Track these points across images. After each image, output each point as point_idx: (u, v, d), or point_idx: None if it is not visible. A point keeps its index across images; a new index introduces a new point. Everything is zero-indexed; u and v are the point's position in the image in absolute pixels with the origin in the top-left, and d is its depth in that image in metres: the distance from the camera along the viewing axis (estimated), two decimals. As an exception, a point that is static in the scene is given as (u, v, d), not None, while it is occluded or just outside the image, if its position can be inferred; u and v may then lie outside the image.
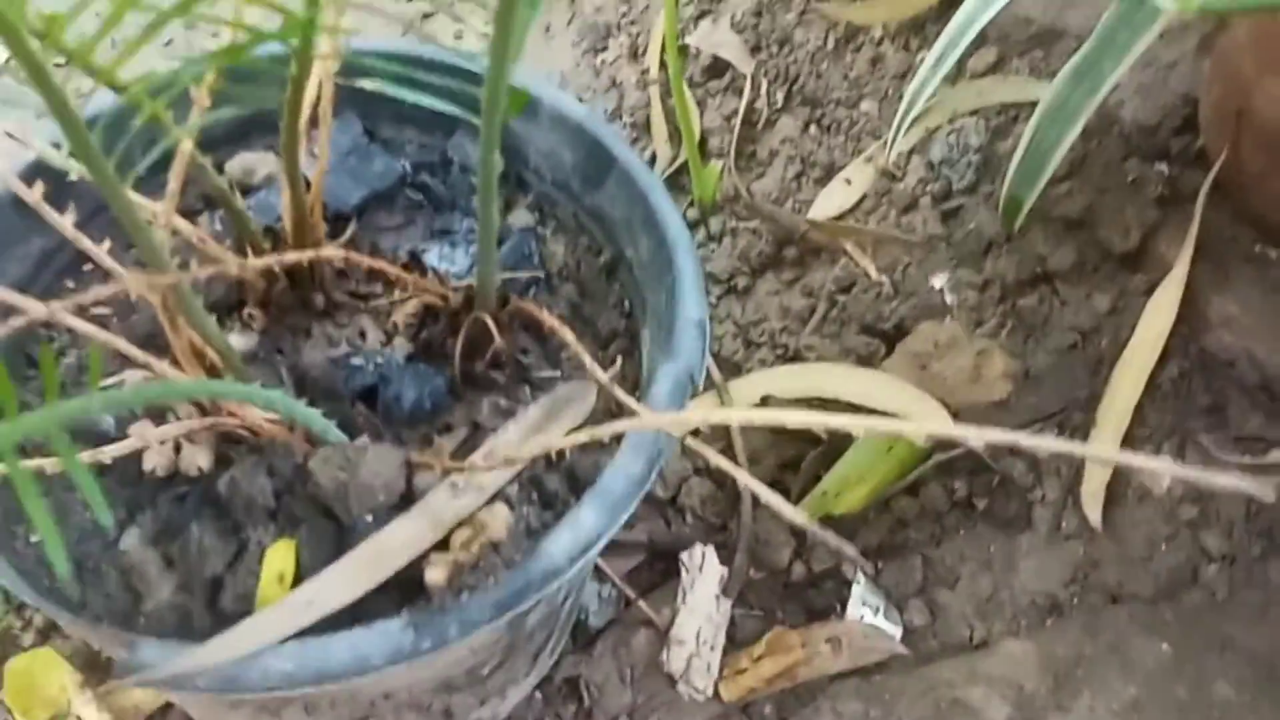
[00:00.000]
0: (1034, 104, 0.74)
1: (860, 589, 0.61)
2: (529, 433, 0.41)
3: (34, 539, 0.41)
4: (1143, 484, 0.63)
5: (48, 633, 0.58)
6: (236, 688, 0.34)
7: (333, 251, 0.42)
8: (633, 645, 0.61)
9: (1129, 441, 0.64)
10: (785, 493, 0.65)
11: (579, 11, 0.89)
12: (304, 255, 0.42)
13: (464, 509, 0.38)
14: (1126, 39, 0.54)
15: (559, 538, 0.37)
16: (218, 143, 0.51)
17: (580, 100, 0.83)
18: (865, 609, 0.60)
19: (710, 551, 0.61)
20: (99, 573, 0.40)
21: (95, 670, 0.57)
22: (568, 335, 0.42)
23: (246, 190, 0.51)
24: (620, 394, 0.39)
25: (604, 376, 0.40)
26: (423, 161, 0.52)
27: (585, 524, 0.37)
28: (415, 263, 0.48)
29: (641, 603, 0.61)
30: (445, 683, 0.44)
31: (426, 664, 0.37)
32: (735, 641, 0.60)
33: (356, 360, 0.45)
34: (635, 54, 0.86)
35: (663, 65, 0.84)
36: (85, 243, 0.41)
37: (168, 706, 0.56)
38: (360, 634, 0.35)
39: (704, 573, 0.61)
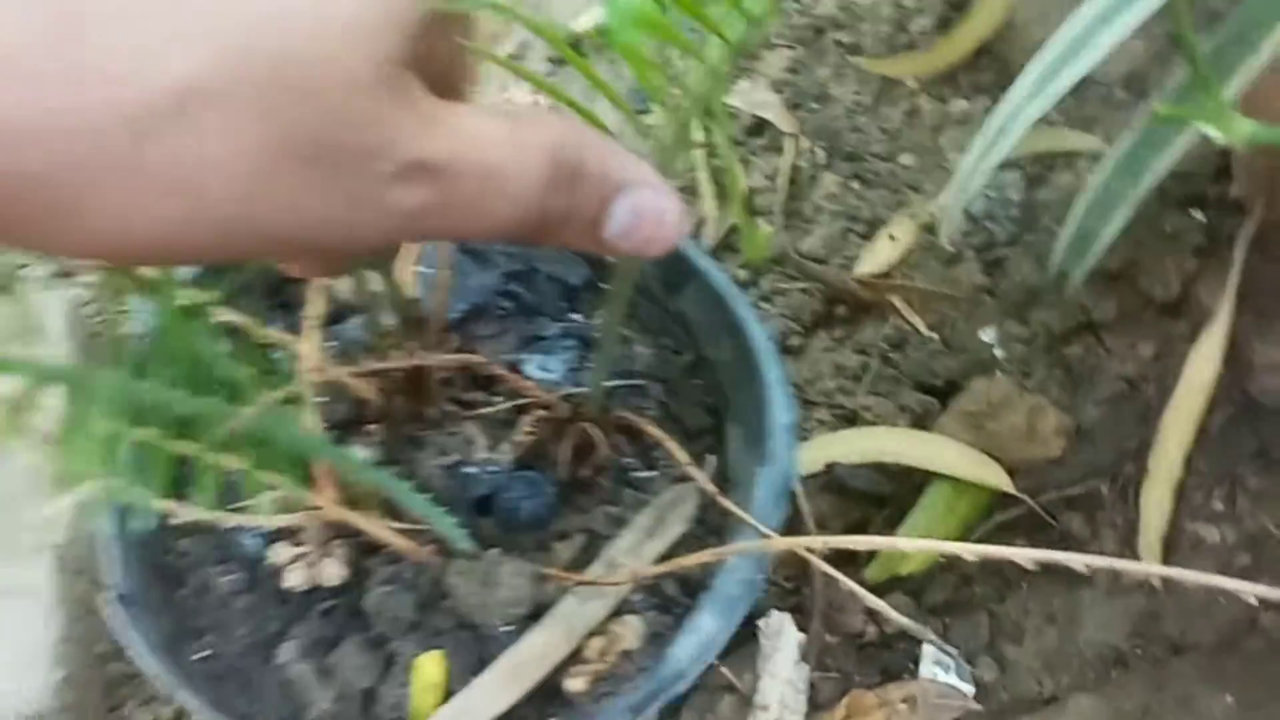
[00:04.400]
0: (1070, 153, 0.79)
1: (931, 648, 0.67)
2: (641, 539, 0.47)
3: (202, 654, 0.47)
4: (1197, 533, 0.69)
5: (170, 724, 0.64)
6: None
7: (476, 359, 0.48)
8: (718, 711, 0.66)
9: (1181, 490, 0.70)
10: (852, 554, 0.71)
11: (620, 75, 0.94)
12: (453, 359, 0.48)
13: (593, 618, 0.44)
14: (1166, 137, 0.59)
15: (683, 643, 0.43)
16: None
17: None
18: (937, 668, 0.66)
19: (787, 618, 0.67)
20: (261, 685, 0.46)
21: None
22: (672, 446, 0.48)
23: (352, 309, 0.57)
24: (730, 505, 0.45)
25: (711, 486, 0.46)
26: (512, 271, 0.58)
27: (705, 628, 0.43)
28: (517, 372, 0.54)
29: (723, 668, 0.67)
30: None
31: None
32: (815, 705, 0.66)
33: (469, 469, 0.51)
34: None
35: (705, 128, 0.89)
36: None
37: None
38: (517, 742, 0.41)
39: (782, 638, 0.67)
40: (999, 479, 0.70)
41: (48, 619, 0.65)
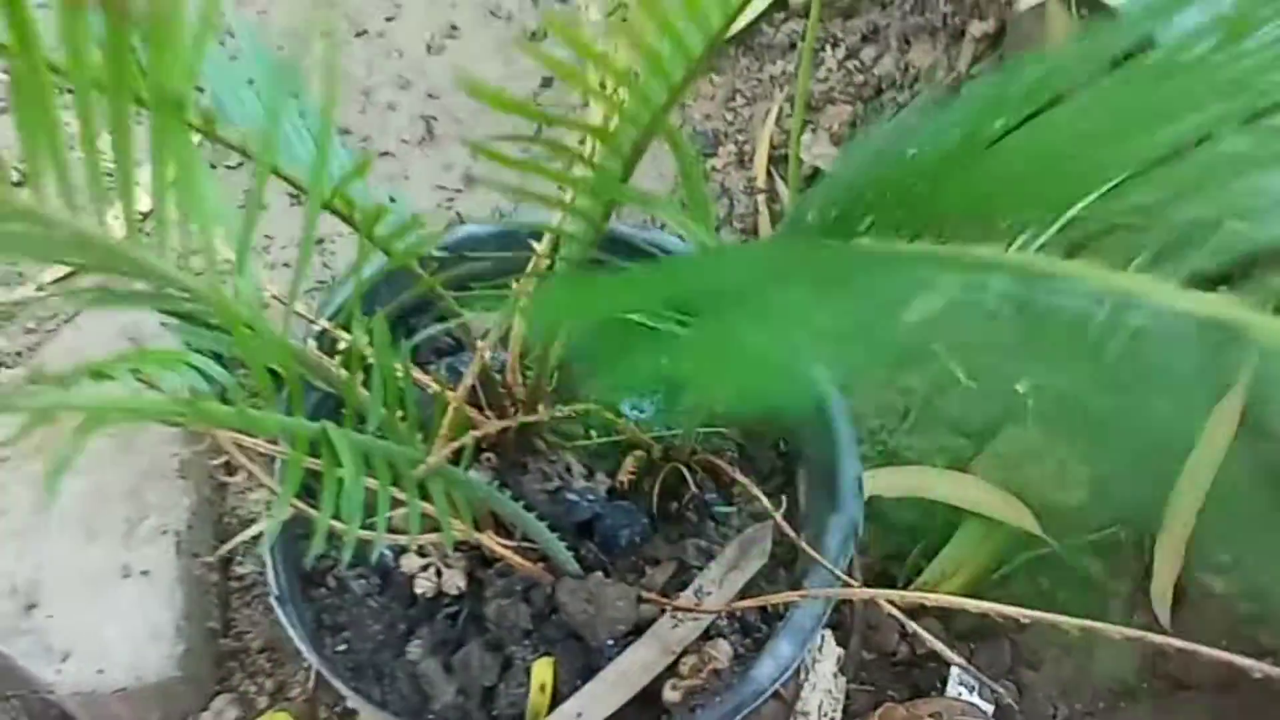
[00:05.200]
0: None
1: (957, 670, 0.74)
2: (726, 570, 0.55)
3: (340, 647, 0.54)
4: (1205, 582, 0.76)
5: (276, 696, 0.72)
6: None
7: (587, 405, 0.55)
8: (763, 713, 0.74)
9: (1192, 542, 0.78)
10: (891, 580, 0.78)
11: (688, 118, 1.02)
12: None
13: (686, 637, 0.52)
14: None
15: (764, 665, 0.50)
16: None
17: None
18: (962, 688, 0.73)
19: (829, 635, 0.75)
20: (393, 677, 0.54)
21: (314, 730, 0.71)
22: (755, 490, 0.55)
23: (461, 345, 0.64)
24: (808, 549, 0.52)
25: (791, 531, 0.54)
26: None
27: (783, 653, 0.51)
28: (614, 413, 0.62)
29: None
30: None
31: (661, 759, 0.51)
32: (850, 713, 0.73)
33: (571, 495, 0.59)
34: (742, 162, 0.99)
35: (769, 174, 0.97)
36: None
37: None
38: (622, 740, 0.48)
39: (824, 653, 0.74)
40: (1027, 521, 0.77)
41: (169, 598, 0.73)
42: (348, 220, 0.46)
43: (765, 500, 0.55)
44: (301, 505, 0.48)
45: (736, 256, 0.38)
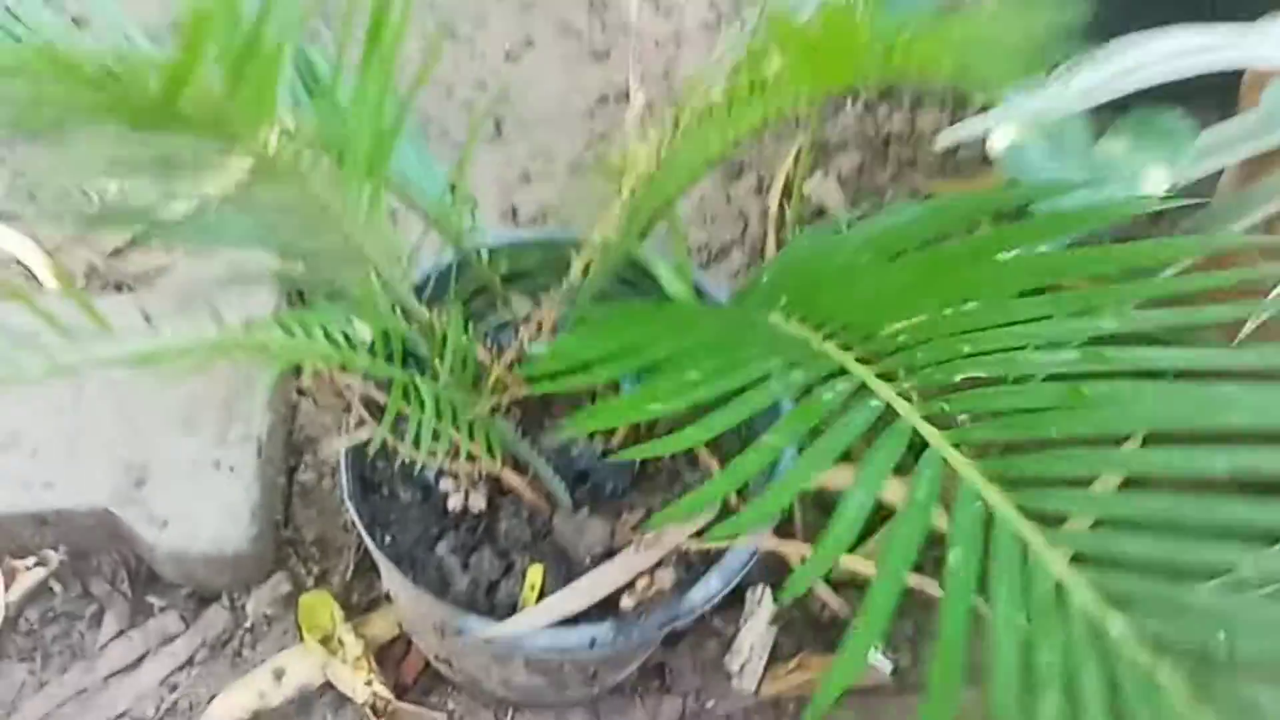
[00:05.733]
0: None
1: (868, 634, 0.91)
2: (684, 527, 0.72)
3: (387, 540, 0.72)
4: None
5: (320, 580, 0.91)
6: (513, 652, 0.66)
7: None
8: (705, 647, 0.92)
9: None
10: (825, 557, 0.96)
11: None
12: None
13: (644, 564, 0.69)
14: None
15: (697, 591, 0.68)
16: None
17: (713, 223, 1.13)
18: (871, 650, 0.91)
19: (767, 591, 0.92)
20: (424, 566, 0.72)
21: (350, 609, 0.90)
22: (711, 463, 0.73)
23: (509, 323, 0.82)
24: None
25: (735, 496, 0.71)
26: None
27: (712, 585, 0.68)
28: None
29: (715, 619, 0.93)
30: (608, 660, 0.75)
31: (612, 651, 0.68)
32: (775, 657, 0.91)
33: (575, 451, 0.76)
34: (760, 190, 1.15)
35: (781, 205, 1.13)
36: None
37: (397, 638, 0.89)
38: (586, 629, 0.66)
39: (761, 606, 0.92)
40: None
41: (247, 491, 0.91)
42: (435, 224, 0.64)
43: (716, 467, 0.72)
44: (374, 428, 0.66)
45: (680, 313, 0.56)
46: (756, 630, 0.91)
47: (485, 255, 0.75)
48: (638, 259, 0.72)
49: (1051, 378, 0.49)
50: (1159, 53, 0.53)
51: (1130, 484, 0.52)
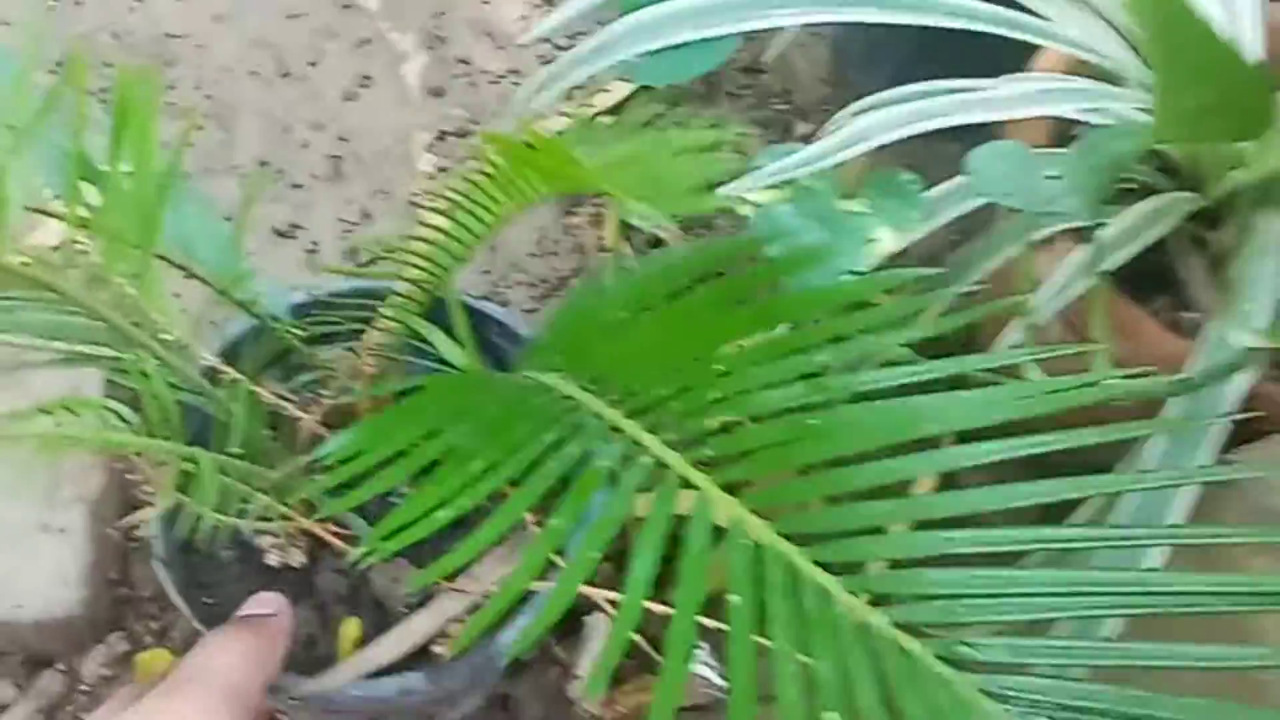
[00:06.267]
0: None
1: (704, 654, 0.95)
2: (497, 565, 0.75)
3: (208, 600, 0.73)
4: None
5: (160, 636, 0.91)
6: (329, 706, 0.68)
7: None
8: (548, 676, 0.95)
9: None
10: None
11: (557, 180, 1.21)
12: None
13: (458, 609, 0.72)
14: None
15: (507, 633, 0.70)
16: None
17: (552, 255, 1.16)
18: (705, 667, 0.95)
19: (604, 617, 0.95)
20: (242, 625, 0.73)
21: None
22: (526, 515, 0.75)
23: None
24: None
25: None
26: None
27: (519, 624, 0.71)
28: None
29: (556, 648, 0.95)
30: (439, 701, 0.77)
31: (432, 695, 0.71)
32: (618, 680, 0.94)
33: (394, 500, 0.78)
34: (597, 223, 1.19)
35: (619, 236, 1.16)
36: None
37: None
38: (396, 680, 0.68)
39: (600, 631, 0.95)
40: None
41: (77, 551, 0.91)
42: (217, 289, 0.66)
43: (530, 521, 0.75)
44: (182, 496, 0.67)
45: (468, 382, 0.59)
46: (595, 653, 0.94)
47: (291, 314, 0.76)
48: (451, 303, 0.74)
49: (784, 412, 0.52)
50: (883, 122, 0.57)
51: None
